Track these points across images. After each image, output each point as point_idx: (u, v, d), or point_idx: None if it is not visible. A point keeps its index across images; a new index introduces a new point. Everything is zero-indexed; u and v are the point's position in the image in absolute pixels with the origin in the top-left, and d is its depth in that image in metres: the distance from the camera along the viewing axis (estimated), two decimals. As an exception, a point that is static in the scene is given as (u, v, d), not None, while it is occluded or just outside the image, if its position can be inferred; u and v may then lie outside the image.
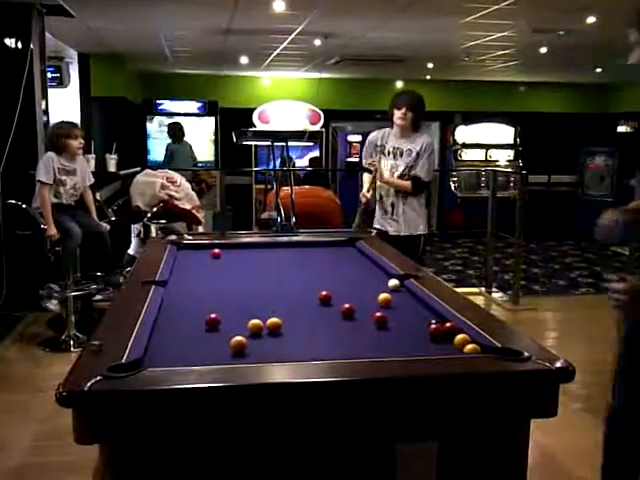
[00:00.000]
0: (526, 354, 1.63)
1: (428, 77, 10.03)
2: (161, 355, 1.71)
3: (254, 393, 1.50)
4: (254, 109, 9.18)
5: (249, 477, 1.54)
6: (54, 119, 5.37)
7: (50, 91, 5.68)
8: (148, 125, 9.74)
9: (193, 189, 6.17)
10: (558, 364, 1.59)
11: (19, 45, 5.10)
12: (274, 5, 4.91)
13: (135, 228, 6.28)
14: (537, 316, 5.56)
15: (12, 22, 5.09)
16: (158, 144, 9.65)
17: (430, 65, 8.67)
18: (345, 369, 1.60)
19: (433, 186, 9.56)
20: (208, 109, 9.89)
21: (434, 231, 7.35)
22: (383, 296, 2.29)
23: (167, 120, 9.47)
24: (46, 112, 5.41)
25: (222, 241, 3.63)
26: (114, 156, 6.25)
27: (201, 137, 9.76)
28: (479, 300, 5.77)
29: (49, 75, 6.08)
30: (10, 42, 5.10)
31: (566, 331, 5.29)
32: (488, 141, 10.67)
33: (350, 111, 10.37)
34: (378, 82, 10.32)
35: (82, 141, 4.63)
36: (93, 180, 4.88)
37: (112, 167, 6.25)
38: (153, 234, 5.53)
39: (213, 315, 2.01)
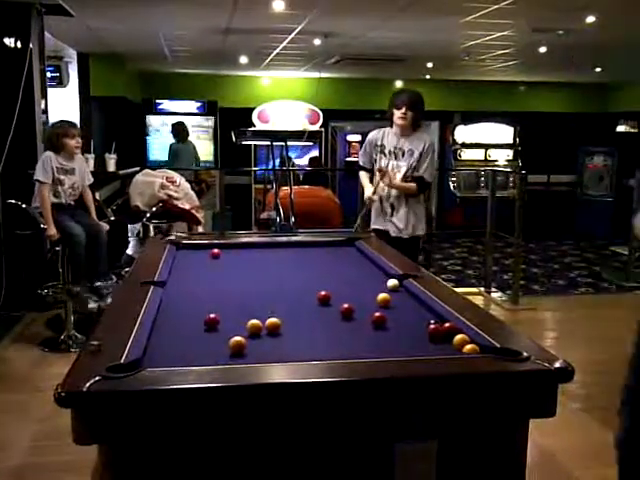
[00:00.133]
0: (525, 354, 1.63)
1: (428, 77, 10.04)
2: (160, 355, 1.71)
3: (253, 393, 1.50)
4: (253, 109, 9.18)
5: (249, 477, 1.54)
6: (53, 119, 5.36)
7: (49, 91, 5.68)
8: (147, 125, 9.74)
9: (193, 189, 6.17)
10: (557, 364, 1.59)
11: (18, 44, 5.10)
12: (274, 4, 4.91)
13: (134, 228, 6.28)
14: (536, 316, 5.56)
15: (11, 21, 5.08)
16: (158, 144, 9.65)
17: (430, 65, 8.67)
18: (344, 369, 1.59)
19: (432, 186, 9.57)
20: (207, 109, 9.89)
21: (434, 232, 7.34)
22: (382, 296, 2.28)
23: (167, 120, 9.47)
24: (45, 112, 5.41)
25: (221, 241, 3.63)
26: (113, 156, 6.25)
27: (200, 137, 9.75)
28: (478, 300, 5.77)
29: (48, 75, 6.07)
30: (9, 41, 5.09)
31: (565, 331, 5.29)
32: (487, 141, 10.68)
33: (349, 111, 10.37)
34: (378, 82, 10.32)
35: (80, 140, 4.62)
36: (92, 180, 4.87)
37: (111, 167, 6.24)
38: (152, 234, 5.53)
39: (212, 315, 2.00)
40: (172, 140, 8.97)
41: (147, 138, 9.75)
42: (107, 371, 1.49)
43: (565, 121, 11.03)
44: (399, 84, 10.54)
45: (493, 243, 6.35)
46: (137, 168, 6.34)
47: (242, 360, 1.71)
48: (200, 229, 5.88)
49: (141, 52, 7.95)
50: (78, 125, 5.12)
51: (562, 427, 2.73)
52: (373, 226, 4.22)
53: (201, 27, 6.14)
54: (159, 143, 9.62)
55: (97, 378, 1.45)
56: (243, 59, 8.22)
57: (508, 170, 10.18)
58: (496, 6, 4.86)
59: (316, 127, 9.25)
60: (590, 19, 5.30)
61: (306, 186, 7.56)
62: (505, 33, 6.06)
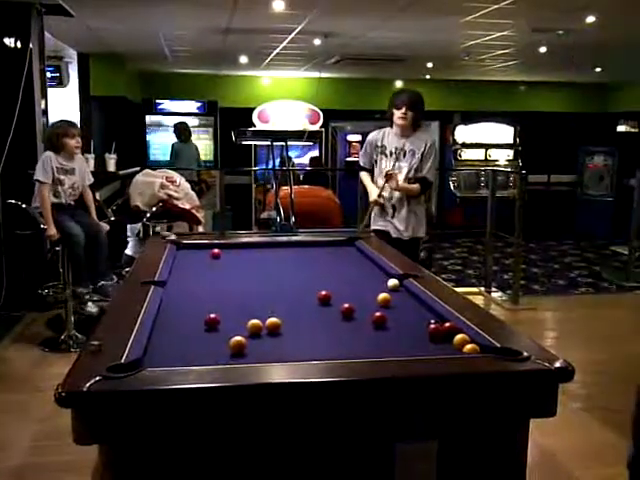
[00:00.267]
0: (525, 354, 1.63)
1: (428, 77, 10.04)
2: (160, 355, 1.71)
3: (253, 393, 1.50)
4: (254, 109, 9.17)
5: (249, 477, 1.54)
6: (53, 119, 5.36)
7: (49, 91, 5.68)
8: (147, 125, 9.73)
9: (193, 189, 6.17)
10: (557, 364, 1.59)
11: (18, 45, 5.10)
12: (274, 4, 4.91)
13: (134, 228, 6.28)
14: (536, 316, 5.56)
15: (11, 21, 5.08)
16: (158, 144, 9.64)
17: (430, 65, 8.67)
18: (344, 369, 1.59)
19: (432, 186, 9.58)
20: (208, 109, 9.89)
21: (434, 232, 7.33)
22: (382, 296, 2.28)
23: (165, 120, 9.47)
24: (45, 112, 5.41)
25: (221, 241, 3.63)
26: (113, 156, 6.24)
27: (201, 137, 9.75)
28: (478, 300, 5.77)
29: (48, 75, 6.07)
30: (9, 42, 5.09)
31: (565, 331, 5.29)
32: (488, 141, 10.67)
33: (349, 111, 10.37)
34: (378, 82, 10.32)
35: (80, 140, 4.61)
36: (92, 180, 4.87)
37: (111, 167, 6.24)
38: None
39: (212, 315, 2.00)
40: (173, 140, 8.97)
41: (147, 138, 9.74)
42: (107, 371, 1.49)
43: (565, 121, 11.03)
44: (399, 84, 10.54)
45: (493, 243, 6.35)
46: (137, 168, 6.35)
47: (242, 360, 1.71)
48: (200, 229, 5.88)
49: (141, 52, 7.95)
50: (78, 125, 5.12)
51: (562, 427, 2.73)
52: (374, 227, 4.21)
53: (201, 27, 6.14)
54: (159, 143, 9.62)
55: (97, 378, 1.45)
56: (243, 59, 8.22)
57: (508, 170, 10.19)
58: (496, 6, 4.86)
59: (316, 127, 9.24)
60: (590, 19, 5.31)
61: (306, 186, 7.55)
62: (505, 33, 6.06)
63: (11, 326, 4.86)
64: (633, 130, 10.73)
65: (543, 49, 6.72)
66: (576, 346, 4.67)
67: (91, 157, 5.91)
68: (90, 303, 4.68)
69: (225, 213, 6.86)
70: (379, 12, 5.30)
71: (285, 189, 5.79)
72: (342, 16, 5.51)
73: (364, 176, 4.34)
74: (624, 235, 7.48)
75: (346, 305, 2.15)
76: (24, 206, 4.60)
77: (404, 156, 4.08)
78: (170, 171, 5.99)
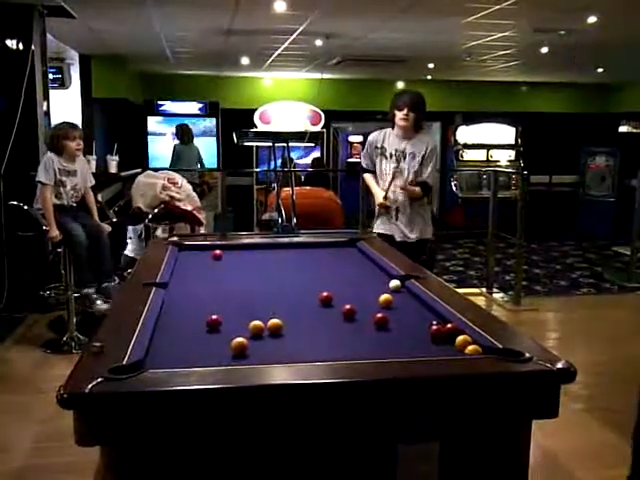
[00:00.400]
0: (527, 355, 1.63)
1: (429, 77, 10.04)
2: (162, 357, 1.71)
3: (255, 394, 1.50)
4: (255, 110, 9.18)
5: (252, 478, 1.54)
6: (55, 120, 5.36)
7: (51, 92, 5.69)
8: (149, 126, 9.74)
9: (194, 190, 6.18)
10: (559, 365, 1.59)
11: (20, 46, 5.11)
12: (275, 5, 4.91)
13: (135, 229, 6.29)
14: (538, 317, 5.55)
15: (13, 23, 5.09)
16: (159, 145, 9.65)
17: (431, 65, 8.67)
18: (346, 370, 1.59)
19: (434, 186, 9.60)
20: (209, 110, 9.89)
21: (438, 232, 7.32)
22: (384, 297, 2.28)
23: (166, 121, 9.48)
24: (47, 113, 5.42)
25: (223, 242, 3.63)
26: (115, 157, 6.26)
27: (202, 138, 9.76)
28: (480, 301, 5.77)
29: (50, 76, 6.08)
30: (11, 43, 5.10)
31: (567, 332, 5.29)
32: (489, 141, 10.67)
33: (351, 112, 10.38)
34: (379, 82, 10.33)
35: (81, 142, 4.61)
36: (94, 181, 4.87)
37: (113, 168, 6.26)
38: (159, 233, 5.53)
39: (214, 316, 2.00)
40: (175, 141, 8.97)
41: (148, 140, 9.75)
42: (109, 372, 1.49)
43: (567, 121, 11.03)
44: (401, 85, 10.54)
45: (495, 244, 6.34)
46: (139, 169, 6.35)
47: (244, 361, 1.71)
48: (202, 230, 5.89)
49: (143, 53, 7.96)
50: (80, 127, 5.12)
51: (564, 428, 2.73)
52: (377, 230, 4.15)
53: (203, 28, 6.15)
54: (160, 144, 9.62)
55: (99, 379, 1.45)
56: (245, 60, 8.23)
57: (510, 171, 10.17)
58: (498, 7, 4.86)
59: (318, 128, 9.26)
60: (592, 19, 5.30)
61: (308, 187, 7.56)
62: (507, 33, 6.06)
63: (13, 328, 4.86)
64: (635, 130, 10.72)
65: (545, 49, 6.71)
66: (578, 347, 4.66)
67: (93, 159, 5.92)
68: (99, 301, 4.66)
69: (227, 214, 6.86)
70: (380, 13, 5.31)
71: (287, 190, 5.79)
72: (343, 17, 5.52)
73: (368, 178, 4.27)
74: (626, 236, 7.47)
75: (348, 306, 2.15)
76: (26, 207, 4.60)
77: (405, 158, 4.05)
78: (172, 172, 6.00)
